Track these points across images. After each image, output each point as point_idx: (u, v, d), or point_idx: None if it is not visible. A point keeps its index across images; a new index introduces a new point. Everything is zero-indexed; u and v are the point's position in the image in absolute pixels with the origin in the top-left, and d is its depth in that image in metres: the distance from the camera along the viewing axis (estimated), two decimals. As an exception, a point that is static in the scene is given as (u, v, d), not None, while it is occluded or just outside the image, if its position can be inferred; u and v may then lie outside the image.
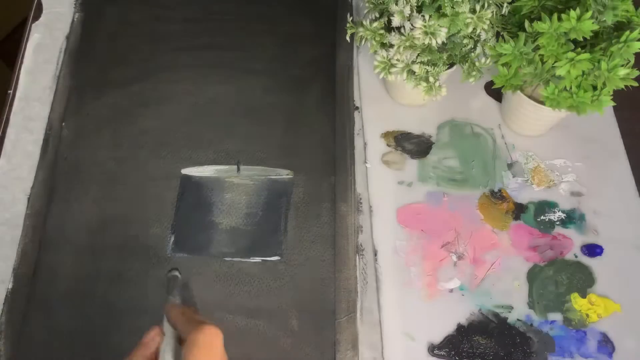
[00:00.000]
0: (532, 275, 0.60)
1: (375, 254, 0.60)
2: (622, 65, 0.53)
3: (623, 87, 0.54)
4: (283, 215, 0.62)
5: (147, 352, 0.42)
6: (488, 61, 0.59)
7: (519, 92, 0.61)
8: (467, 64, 0.60)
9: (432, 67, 0.59)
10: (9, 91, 0.68)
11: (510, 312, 0.58)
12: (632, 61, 0.54)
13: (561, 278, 0.60)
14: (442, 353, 0.56)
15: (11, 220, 0.61)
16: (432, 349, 0.56)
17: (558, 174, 0.66)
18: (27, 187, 0.63)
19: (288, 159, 0.65)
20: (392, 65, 0.59)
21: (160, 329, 0.44)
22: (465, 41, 0.58)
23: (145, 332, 0.44)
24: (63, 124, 0.67)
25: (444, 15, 0.55)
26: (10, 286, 0.57)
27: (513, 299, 0.59)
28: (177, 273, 0.56)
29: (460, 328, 0.57)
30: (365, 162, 0.66)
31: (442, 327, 0.57)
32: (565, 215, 0.63)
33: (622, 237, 0.62)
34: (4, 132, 0.66)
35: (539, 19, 0.55)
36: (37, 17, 0.74)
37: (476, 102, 0.70)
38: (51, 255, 0.59)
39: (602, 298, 0.59)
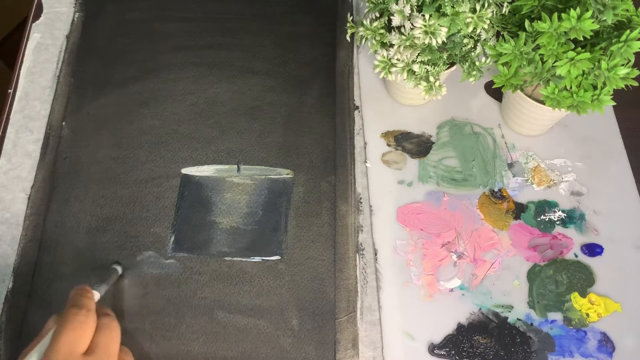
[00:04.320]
0: (532, 275, 0.60)
1: (376, 254, 0.60)
2: (623, 65, 0.53)
3: (623, 86, 0.54)
4: (283, 214, 0.62)
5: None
6: (488, 61, 0.59)
7: (519, 91, 0.61)
8: (467, 63, 0.60)
9: (432, 66, 0.59)
10: (9, 90, 0.68)
11: (510, 311, 0.58)
12: (632, 61, 0.54)
13: (561, 277, 0.60)
14: (442, 352, 0.56)
15: (11, 219, 0.61)
16: (432, 348, 0.56)
17: (558, 173, 0.66)
18: (27, 187, 0.63)
19: (288, 158, 0.65)
20: (392, 65, 0.59)
21: (55, 318, 0.48)
22: (465, 41, 0.58)
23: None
24: (63, 123, 0.67)
25: (444, 14, 0.55)
26: (10, 285, 0.57)
27: (513, 299, 0.59)
28: (118, 267, 0.57)
29: (460, 327, 0.57)
30: (366, 162, 0.66)
31: (442, 327, 0.57)
32: (565, 214, 0.63)
33: (622, 236, 0.62)
34: (4, 132, 0.66)
35: (539, 18, 0.55)
36: (37, 16, 0.74)
37: (476, 101, 0.70)
38: (51, 254, 0.59)
39: (602, 297, 0.59)
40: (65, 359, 0.43)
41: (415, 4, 0.56)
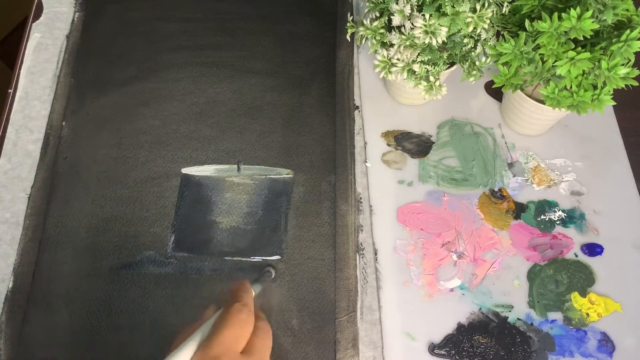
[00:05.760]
0: (532, 275, 0.60)
1: (376, 253, 0.60)
2: (623, 65, 0.53)
3: (623, 86, 0.54)
4: (283, 214, 0.62)
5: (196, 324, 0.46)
6: (488, 60, 0.59)
7: (519, 91, 0.61)
8: (467, 63, 0.60)
9: (433, 66, 0.59)
10: (9, 90, 0.68)
11: (510, 311, 0.58)
12: (633, 60, 0.54)
13: (561, 277, 0.60)
14: (443, 352, 0.56)
15: (11, 219, 0.61)
16: (432, 348, 0.56)
17: (558, 173, 0.66)
18: (28, 187, 0.63)
19: (288, 158, 0.65)
20: (393, 65, 0.59)
21: (214, 308, 0.48)
22: (465, 40, 0.58)
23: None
24: (63, 123, 0.67)
25: (445, 14, 0.55)
26: (10, 285, 0.57)
27: (513, 298, 0.59)
28: (272, 271, 0.59)
29: (460, 327, 0.57)
30: (366, 162, 0.66)
31: (442, 327, 0.57)
32: (565, 214, 0.63)
33: (622, 236, 0.62)
34: (4, 132, 0.66)
35: (539, 18, 0.55)
36: (37, 16, 0.74)
37: (476, 101, 0.70)
38: (51, 254, 0.59)
39: (602, 297, 0.59)
40: (224, 354, 0.41)
41: (416, 3, 0.56)
